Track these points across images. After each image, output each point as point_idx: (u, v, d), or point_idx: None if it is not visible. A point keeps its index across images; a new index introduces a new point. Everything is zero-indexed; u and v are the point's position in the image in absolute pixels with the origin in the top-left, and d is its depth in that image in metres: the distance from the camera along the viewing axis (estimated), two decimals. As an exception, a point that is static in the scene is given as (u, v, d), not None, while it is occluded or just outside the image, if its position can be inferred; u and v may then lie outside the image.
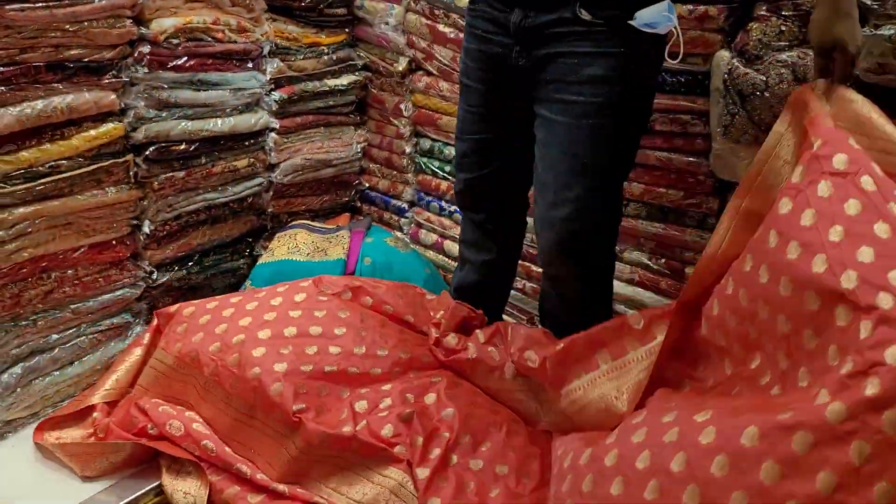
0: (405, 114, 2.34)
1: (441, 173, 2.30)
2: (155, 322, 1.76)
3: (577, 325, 1.57)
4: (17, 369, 1.63)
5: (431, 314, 1.80)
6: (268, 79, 2.04)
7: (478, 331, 1.73)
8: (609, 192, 1.51)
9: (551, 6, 1.39)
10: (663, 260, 1.88)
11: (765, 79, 1.51)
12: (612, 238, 1.59)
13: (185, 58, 1.80)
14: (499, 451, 1.51)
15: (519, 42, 1.44)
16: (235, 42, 1.91)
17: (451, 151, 2.26)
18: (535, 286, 2.12)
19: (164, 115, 1.80)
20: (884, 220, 1.00)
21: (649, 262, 1.89)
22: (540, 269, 2.07)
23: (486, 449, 1.51)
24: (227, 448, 1.50)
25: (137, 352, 1.73)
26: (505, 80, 1.52)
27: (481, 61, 1.55)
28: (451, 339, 1.70)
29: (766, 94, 1.50)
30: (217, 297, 1.82)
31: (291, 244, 2.09)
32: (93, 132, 1.63)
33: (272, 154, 2.11)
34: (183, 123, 1.83)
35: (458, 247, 1.91)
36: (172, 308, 1.76)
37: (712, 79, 1.65)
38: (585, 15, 1.36)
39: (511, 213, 1.78)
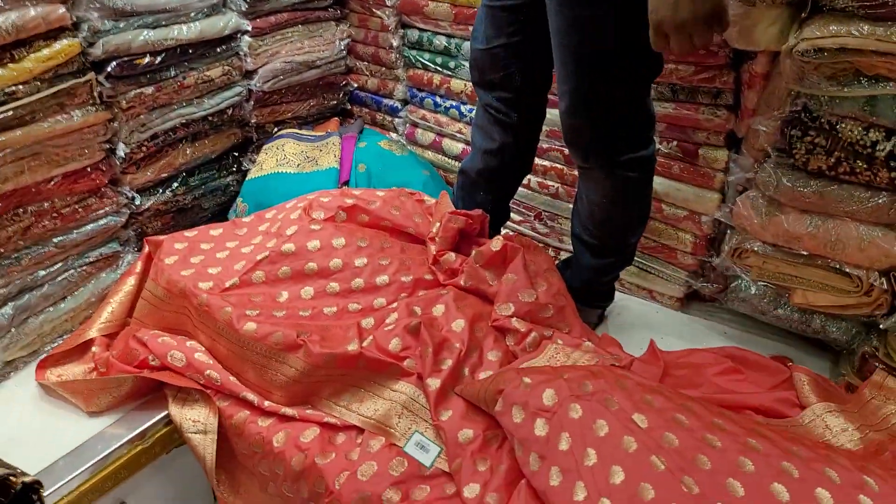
0: (389, 3, 2.15)
1: (433, 66, 2.14)
2: (146, 249, 1.70)
3: (596, 226, 1.55)
4: (9, 309, 1.57)
5: (431, 221, 1.71)
6: (233, -25, 1.86)
7: (475, 251, 1.64)
8: (609, 85, 1.37)
9: None
10: (675, 143, 1.75)
11: (784, -72, 1.33)
12: (630, 133, 1.45)
13: (137, -42, 1.62)
14: (507, 362, 1.46)
15: None
16: (190, -62, 1.72)
17: (441, 42, 2.09)
18: (540, 181, 2.01)
19: (121, 25, 1.64)
20: None
21: (659, 146, 1.76)
22: (540, 163, 1.97)
23: (495, 360, 1.46)
24: (231, 377, 1.46)
25: (131, 281, 1.67)
26: None
27: None
28: (450, 258, 1.63)
29: (787, -54, 1.33)
30: (204, 227, 1.75)
31: (280, 156, 1.97)
32: (46, 52, 1.48)
33: (248, 60, 1.95)
34: (144, 33, 1.67)
35: (458, 144, 1.79)
36: (162, 237, 1.69)
37: (724, -66, 1.46)
38: None
39: (528, 99, 1.63)
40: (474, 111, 1.73)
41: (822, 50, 1.33)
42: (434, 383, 1.40)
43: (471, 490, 1.23)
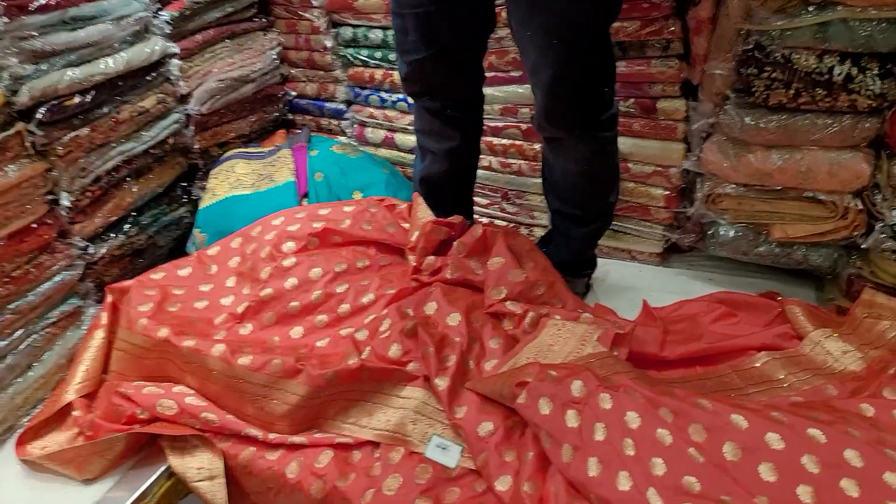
0: (315, 3, 2.08)
1: (373, 61, 2.08)
2: (109, 299, 1.60)
3: (580, 193, 1.53)
4: (-28, 388, 1.46)
5: (405, 227, 1.67)
6: (150, -2, 1.76)
7: (457, 242, 1.61)
8: (590, 47, 1.35)
9: None
10: (631, 100, 1.75)
11: None
12: (605, 94, 1.44)
13: (47, -6, 1.51)
14: (511, 347, 1.43)
15: None
16: (100, -37, 1.61)
17: (377, 36, 2.03)
18: (501, 160, 1.98)
19: (44, 67, 1.52)
20: None
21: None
22: (498, 142, 1.94)
23: (497, 346, 1.43)
24: (228, 416, 1.39)
25: (99, 335, 1.57)
26: None
27: None
28: (430, 261, 1.60)
29: None
30: (170, 265, 1.67)
31: (232, 178, 1.89)
32: (-34, 107, 1.38)
33: (181, 83, 1.86)
34: (69, 72, 1.56)
35: (411, 137, 1.74)
36: (127, 282, 1.61)
37: None
38: None
39: (469, 93, 1.63)
40: (416, 117, 1.67)
41: (767, -16, 1.34)
42: (442, 382, 1.37)
43: (503, 482, 1.20)
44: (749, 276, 1.76)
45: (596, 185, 1.58)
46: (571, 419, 1.18)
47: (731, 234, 1.70)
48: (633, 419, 1.15)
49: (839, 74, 1.38)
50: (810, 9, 1.36)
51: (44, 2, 1.50)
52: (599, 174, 1.56)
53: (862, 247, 1.51)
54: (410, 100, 1.63)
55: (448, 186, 1.74)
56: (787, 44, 1.41)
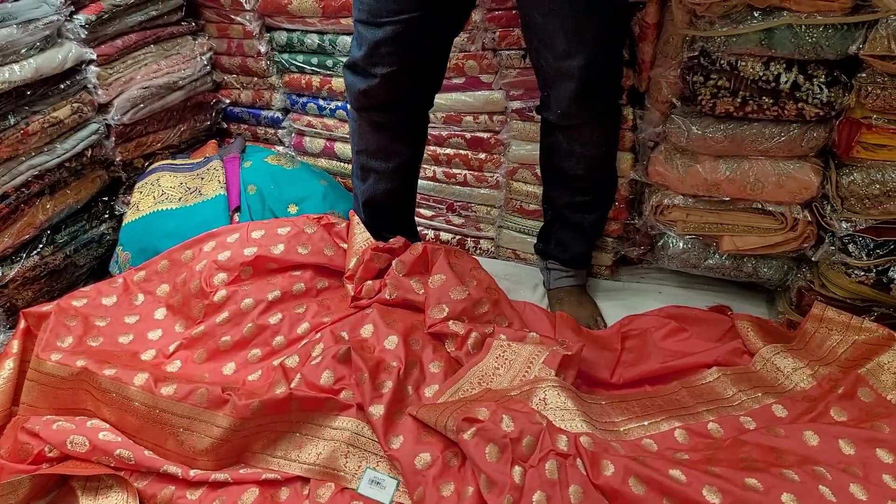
0: (247, 6, 1.97)
1: (309, 68, 1.98)
2: (23, 324, 1.49)
3: (593, 179, 1.55)
4: None
5: (344, 247, 1.59)
6: (62, 0, 1.63)
7: (396, 261, 1.55)
8: (618, 28, 1.42)
9: None
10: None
11: None
12: (620, 78, 1.51)
13: (-60, -5, 1.38)
14: (453, 370, 1.36)
15: None
16: (2, -39, 1.49)
17: (313, 40, 1.94)
18: (446, 170, 1.90)
19: (-60, 75, 1.40)
20: None
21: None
22: (442, 151, 1.87)
23: (438, 371, 1.36)
24: (146, 451, 1.28)
25: (9, 365, 1.45)
26: None
27: None
28: (370, 285, 1.54)
29: None
30: (92, 290, 1.56)
31: (157, 192, 1.77)
32: None
33: (99, 92, 1.73)
34: (-31, 81, 1.44)
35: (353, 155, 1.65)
36: (46, 307, 1.50)
37: None
38: None
39: (425, 109, 1.57)
40: (357, 136, 1.59)
41: (711, -11, 1.29)
42: (377, 410, 1.29)
43: (441, 520, 1.13)
44: (700, 288, 1.72)
45: (609, 165, 1.60)
46: (517, 476, 1.11)
47: (681, 246, 1.65)
48: (575, 492, 1.09)
49: (786, 82, 1.34)
50: (755, 14, 1.31)
51: (-63, 4, 1.37)
52: (613, 153, 1.58)
53: (812, 259, 1.48)
54: (351, 113, 1.56)
55: (393, 206, 1.68)
56: (733, 50, 1.36)
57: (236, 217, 1.76)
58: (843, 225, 1.39)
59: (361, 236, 1.59)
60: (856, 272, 1.41)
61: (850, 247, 1.40)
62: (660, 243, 1.69)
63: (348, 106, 1.58)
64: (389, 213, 1.67)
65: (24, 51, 1.55)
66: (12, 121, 1.54)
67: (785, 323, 1.55)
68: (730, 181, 1.48)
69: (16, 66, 1.52)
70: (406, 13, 1.32)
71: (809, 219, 1.45)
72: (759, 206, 1.50)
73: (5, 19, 1.50)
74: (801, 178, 1.42)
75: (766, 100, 1.37)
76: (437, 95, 1.78)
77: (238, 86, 2.15)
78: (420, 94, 1.52)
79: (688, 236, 1.63)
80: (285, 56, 2.01)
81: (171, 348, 1.45)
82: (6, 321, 1.60)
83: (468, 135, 1.83)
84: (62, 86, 1.65)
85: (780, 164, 1.44)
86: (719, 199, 1.53)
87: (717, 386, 1.39)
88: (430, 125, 1.84)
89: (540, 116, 1.55)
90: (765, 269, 1.60)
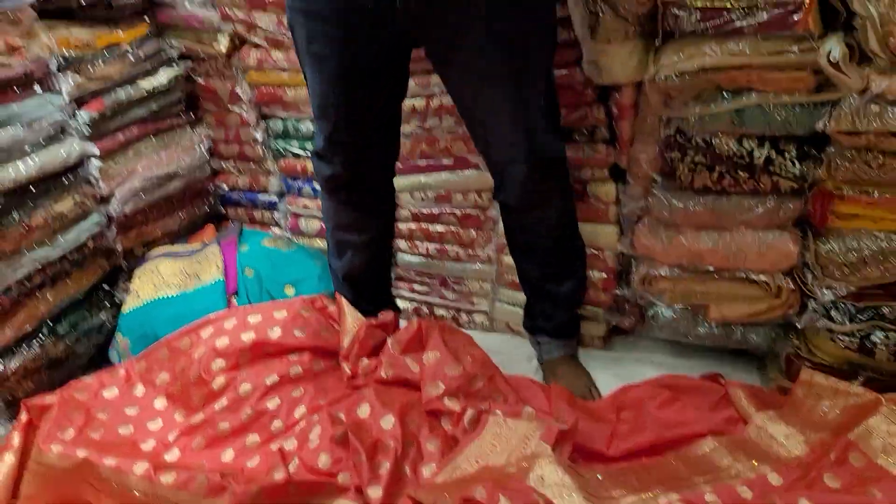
0: (244, 97, 2.06)
1: (304, 153, 2.05)
2: (25, 416, 1.49)
3: (559, 249, 1.60)
4: None
5: (337, 328, 1.61)
6: (67, 99, 1.70)
7: (391, 339, 1.57)
8: (553, 102, 1.46)
9: None
10: (563, 184, 1.75)
11: (620, -34, 1.36)
12: (564, 149, 1.53)
13: (-50, 101, 1.45)
14: (450, 448, 1.37)
15: None
16: (10, 66, 1.56)
17: (307, 127, 2.02)
18: (438, 246, 1.95)
19: (-52, 176, 1.45)
20: None
21: (549, 191, 1.75)
22: (434, 229, 1.91)
23: (435, 449, 1.37)
24: (147, 545, 1.28)
25: (9, 458, 1.45)
26: (377, 36, 1.32)
27: (337, 20, 1.30)
28: (366, 363, 1.56)
29: (626, -18, 1.36)
30: (94, 381, 1.58)
31: (157, 279, 1.81)
32: None
33: (101, 185, 1.79)
34: (-24, 180, 1.49)
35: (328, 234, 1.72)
36: (48, 398, 1.51)
37: (565, -21, 1.49)
38: None
39: (389, 181, 1.64)
40: (330, 214, 1.66)
41: (682, 73, 1.36)
42: (375, 492, 1.29)
43: None
44: (692, 357, 1.74)
45: (573, 232, 1.63)
46: None
47: (670, 315, 1.69)
48: None
49: (759, 157, 1.40)
50: (725, 95, 1.38)
51: (-53, 109, 1.44)
52: (573, 221, 1.62)
53: (798, 326, 1.51)
54: (322, 194, 1.64)
55: (372, 277, 1.74)
56: (707, 128, 1.43)
57: (234, 301, 1.79)
58: (825, 292, 1.43)
59: (352, 315, 1.62)
60: (840, 338, 1.44)
61: (833, 313, 1.44)
62: (650, 313, 1.72)
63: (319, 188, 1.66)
64: (369, 285, 1.73)
65: (28, 149, 1.61)
66: (16, 216, 1.58)
67: (776, 389, 1.57)
68: (713, 252, 1.52)
69: (20, 164, 1.57)
70: (343, 105, 1.41)
71: (792, 286, 1.49)
72: (744, 275, 1.54)
73: (11, 119, 1.57)
74: (781, 247, 1.46)
75: (742, 174, 1.43)
76: (427, 176, 1.87)
77: (235, 171, 2.22)
78: (381, 170, 1.60)
79: (676, 306, 1.66)
80: (281, 142, 2.09)
81: (171, 437, 1.46)
82: (6, 413, 1.61)
83: (459, 212, 1.89)
84: (65, 180, 1.70)
85: (760, 234, 1.48)
86: (704, 268, 1.57)
87: (713, 456, 1.39)
88: (422, 203, 1.91)
89: (497, 202, 1.61)
90: (753, 337, 1.63)
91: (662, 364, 1.72)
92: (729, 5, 1.30)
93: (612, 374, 1.70)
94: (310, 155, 2.02)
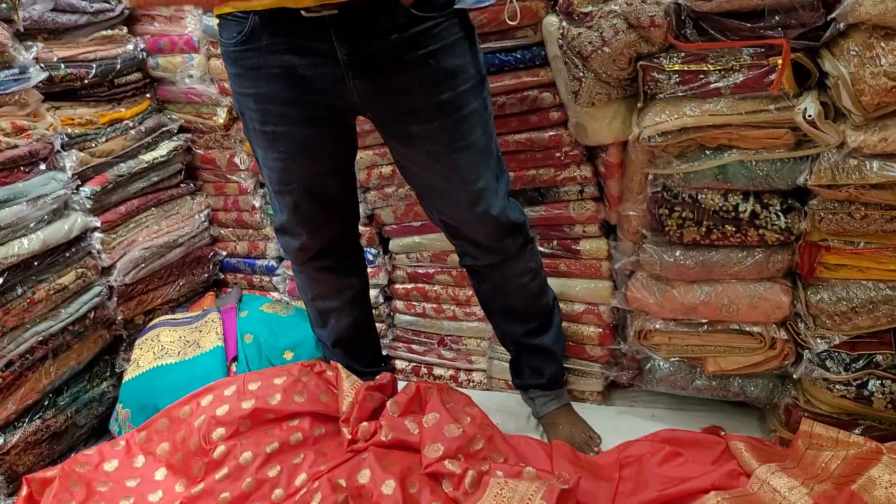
0: (242, 166, 2.11)
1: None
2: (25, 491, 1.49)
3: (533, 302, 1.63)
4: None
5: (336, 392, 1.62)
6: (70, 175, 1.75)
7: (390, 402, 1.58)
8: (500, 158, 1.48)
9: (378, 19, 1.23)
10: (554, 241, 1.78)
11: (600, 34, 1.42)
12: (519, 204, 1.56)
13: (-43, 182, 1.49)
14: (452, 511, 1.36)
15: (353, 66, 1.27)
16: (16, 146, 1.60)
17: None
18: (435, 306, 1.97)
19: (-47, 255, 1.48)
20: None
21: (542, 248, 1.78)
22: (431, 288, 1.94)
23: (437, 512, 1.36)
24: None
25: (9, 534, 1.45)
26: (329, 110, 1.36)
27: (291, 99, 1.33)
28: (365, 426, 1.56)
29: (607, 50, 1.41)
30: (95, 454, 1.58)
31: (157, 348, 1.82)
32: None
33: (102, 256, 1.82)
34: (-21, 257, 1.52)
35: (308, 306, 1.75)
36: (50, 472, 1.51)
37: (548, 47, 1.55)
38: (420, 12, 1.24)
39: (355, 240, 1.70)
40: (306, 287, 1.70)
41: (665, 133, 1.40)
42: (378, 560, 1.28)
43: None
44: (691, 409, 1.74)
45: (543, 285, 1.65)
46: None
47: (667, 368, 1.69)
48: None
49: (744, 211, 1.43)
50: (707, 152, 1.42)
51: (-46, 190, 1.48)
52: (542, 274, 1.63)
53: (794, 376, 1.51)
54: (295, 268, 1.67)
55: (360, 337, 1.77)
56: (692, 184, 1.47)
57: (234, 367, 1.80)
58: (818, 342, 1.44)
59: (349, 380, 1.63)
60: (837, 387, 1.44)
61: (828, 362, 1.45)
62: (647, 367, 1.73)
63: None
64: (359, 346, 1.77)
65: (32, 225, 1.64)
66: (19, 291, 1.61)
67: (777, 441, 1.57)
68: (705, 304, 1.54)
69: (24, 240, 1.61)
70: (304, 178, 1.44)
71: (786, 337, 1.50)
72: (738, 327, 1.55)
73: (16, 197, 1.61)
74: (773, 298, 1.48)
75: (729, 228, 1.46)
76: (421, 237, 1.90)
77: (234, 238, 2.26)
78: (347, 232, 1.64)
79: (673, 359, 1.67)
80: (278, 208, 2.13)
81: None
82: (6, 488, 1.60)
83: (454, 271, 1.91)
84: (67, 254, 1.73)
85: (751, 286, 1.50)
86: (698, 321, 1.59)
87: None
88: (419, 264, 1.94)
89: (465, 268, 1.64)
90: (751, 388, 1.63)
91: (662, 418, 1.72)
92: (706, 68, 1.36)
93: (611, 428, 1.69)
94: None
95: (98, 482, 1.52)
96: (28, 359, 1.64)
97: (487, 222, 1.44)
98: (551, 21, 1.50)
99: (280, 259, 2.22)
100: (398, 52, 1.26)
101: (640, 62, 1.41)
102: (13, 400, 1.61)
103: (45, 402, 1.71)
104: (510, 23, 1.39)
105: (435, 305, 1.98)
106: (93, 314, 1.81)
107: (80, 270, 1.75)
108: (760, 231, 1.44)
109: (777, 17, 1.27)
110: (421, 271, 1.96)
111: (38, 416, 1.67)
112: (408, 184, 1.53)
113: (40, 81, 1.67)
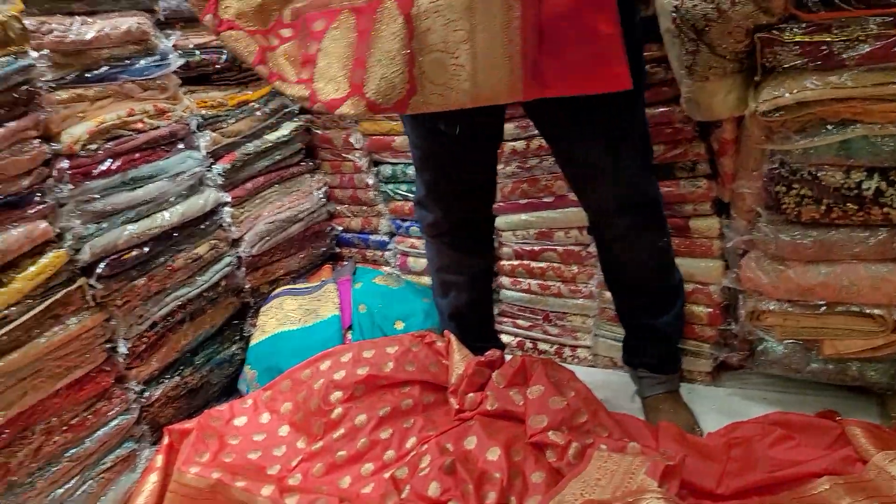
0: (357, 146, 2.22)
1: (411, 196, 2.18)
2: (167, 440, 1.66)
3: (656, 284, 1.61)
4: (28, 539, 1.50)
5: (446, 363, 1.69)
6: (204, 154, 1.91)
7: (496, 374, 1.64)
8: (647, 138, 1.49)
9: None
10: (665, 220, 1.76)
11: (716, 5, 1.38)
12: (656, 182, 1.55)
13: (109, 160, 1.66)
14: (555, 481, 1.40)
15: None
16: (158, 127, 1.77)
17: (413, 171, 2.14)
18: (540, 282, 2.00)
19: (105, 225, 1.66)
20: None
21: (651, 226, 1.76)
22: (536, 265, 1.97)
23: (540, 481, 1.40)
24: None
25: (152, 479, 1.61)
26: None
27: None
28: (472, 397, 1.62)
29: (722, 21, 1.38)
30: (226, 409, 1.74)
31: (280, 314, 1.96)
32: (33, 269, 1.48)
33: (232, 229, 1.98)
34: (129, 228, 1.69)
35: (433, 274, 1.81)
36: (188, 424, 1.68)
37: (660, 21, 1.52)
38: None
39: (488, 223, 1.74)
40: (433, 257, 1.75)
41: (783, 107, 1.36)
42: (483, 522, 1.34)
43: None
44: (805, 393, 1.68)
45: (668, 265, 1.63)
46: None
47: (781, 350, 1.64)
48: None
49: (868, 189, 1.37)
50: (829, 127, 1.36)
51: (105, 167, 1.65)
52: (669, 254, 1.61)
53: (919, 361, 1.44)
54: (426, 238, 1.73)
55: (475, 315, 1.81)
56: (812, 161, 1.41)
57: (349, 335, 1.91)
58: (947, 326, 1.36)
59: (461, 352, 1.69)
60: (967, 374, 1.36)
61: (958, 348, 1.37)
62: (759, 348, 1.69)
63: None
64: (473, 322, 1.80)
65: (172, 199, 1.81)
66: (162, 259, 1.79)
67: (898, 428, 1.50)
68: (823, 285, 1.48)
69: (166, 213, 1.78)
70: (443, 159, 1.49)
71: (911, 320, 1.43)
72: (857, 309, 1.49)
73: (159, 174, 1.78)
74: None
75: (851, 206, 1.40)
76: (529, 214, 1.93)
77: (349, 214, 2.38)
78: (480, 213, 1.68)
79: (787, 341, 1.62)
80: (390, 186, 2.23)
81: (294, 463, 1.57)
82: (151, 437, 1.79)
83: (560, 248, 1.93)
84: (202, 226, 1.90)
85: (873, 267, 1.43)
86: (815, 302, 1.53)
87: (829, 496, 1.34)
88: (524, 241, 1.98)
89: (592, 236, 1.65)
90: (871, 373, 1.56)
91: (774, 401, 1.68)
92: (829, 39, 1.31)
93: (720, 410, 1.67)
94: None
95: (229, 435, 1.67)
96: (169, 321, 1.82)
97: (624, 205, 1.45)
98: (664, -5, 1.48)
99: (391, 235, 2.32)
100: None
101: (758, 34, 1.37)
102: (157, 358, 1.79)
103: (183, 362, 1.89)
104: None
105: (540, 282, 2.01)
106: (224, 282, 1.97)
107: (213, 242, 1.92)
108: (885, 209, 1.37)
109: (909, -16, 1.20)
110: (527, 248, 1.99)
111: (177, 373, 1.86)
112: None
113: (178, 67, 1.83)
